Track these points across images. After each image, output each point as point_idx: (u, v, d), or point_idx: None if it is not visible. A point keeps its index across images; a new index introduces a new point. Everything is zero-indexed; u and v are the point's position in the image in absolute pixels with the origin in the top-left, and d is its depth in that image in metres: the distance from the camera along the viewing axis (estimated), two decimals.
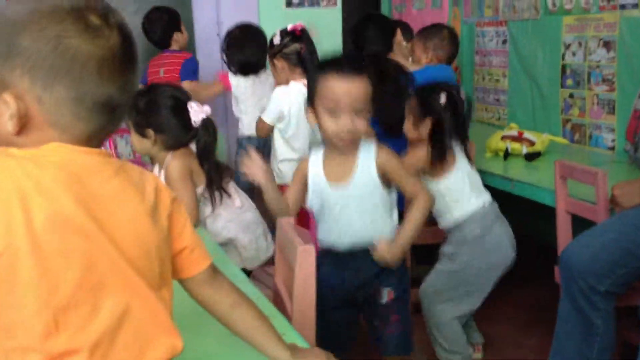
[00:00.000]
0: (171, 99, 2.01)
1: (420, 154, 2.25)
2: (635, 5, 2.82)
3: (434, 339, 2.38)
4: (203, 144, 2.03)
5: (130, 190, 0.93)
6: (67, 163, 0.88)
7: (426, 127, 2.26)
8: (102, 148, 0.95)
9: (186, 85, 3.58)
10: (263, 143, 3.22)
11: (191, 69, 3.70)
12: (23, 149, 0.87)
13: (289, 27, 2.86)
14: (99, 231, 0.86)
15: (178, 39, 3.77)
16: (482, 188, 2.39)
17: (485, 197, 2.36)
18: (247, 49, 3.25)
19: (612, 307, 1.92)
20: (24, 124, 0.88)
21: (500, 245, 2.32)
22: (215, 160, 2.08)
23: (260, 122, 2.87)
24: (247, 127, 3.33)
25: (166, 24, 3.72)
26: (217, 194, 2.06)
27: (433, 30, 3.27)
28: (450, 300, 2.32)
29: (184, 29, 3.83)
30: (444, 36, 3.24)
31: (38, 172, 0.84)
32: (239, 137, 3.44)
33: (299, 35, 2.83)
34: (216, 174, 2.06)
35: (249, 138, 3.33)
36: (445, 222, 2.34)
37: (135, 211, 0.92)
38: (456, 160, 2.31)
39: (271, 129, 2.86)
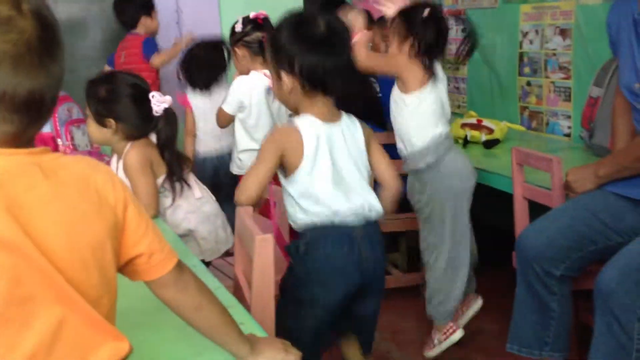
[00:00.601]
0: (132, 87, 1.98)
1: (400, 58, 2.31)
2: None
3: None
4: (164, 134, 2.01)
5: (65, 191, 0.87)
6: None
7: (409, 45, 2.31)
8: (60, 146, 0.91)
9: (155, 60, 3.54)
10: (218, 163, 3.18)
11: (153, 46, 3.69)
12: None
13: (252, 14, 2.83)
14: (26, 242, 0.81)
15: (146, 23, 3.72)
16: (448, 116, 2.44)
17: (446, 127, 2.41)
18: (212, 67, 3.19)
19: (568, 291, 1.96)
20: None
21: (456, 170, 2.38)
22: (176, 151, 2.06)
23: (220, 112, 2.84)
24: (204, 146, 3.25)
25: (137, 6, 3.72)
26: (177, 184, 2.04)
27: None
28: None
29: (155, 17, 3.78)
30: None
31: None
32: (195, 154, 3.28)
33: (261, 24, 2.81)
34: (177, 165, 2.03)
35: (204, 160, 3.24)
36: (402, 151, 2.42)
37: (71, 215, 0.86)
38: (432, 80, 2.35)
39: (232, 119, 2.84)
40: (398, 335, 2.67)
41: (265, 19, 2.82)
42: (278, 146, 1.66)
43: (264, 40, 2.76)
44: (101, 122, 1.97)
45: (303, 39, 1.63)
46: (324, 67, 1.62)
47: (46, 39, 0.85)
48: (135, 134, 2.00)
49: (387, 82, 2.80)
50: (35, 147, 0.89)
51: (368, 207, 1.70)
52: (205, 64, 3.17)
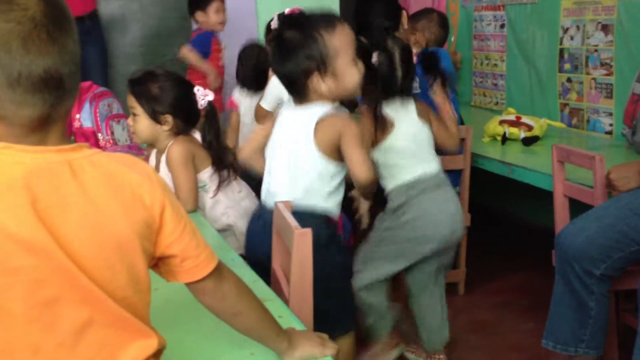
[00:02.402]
0: (179, 82, 2.04)
1: (364, 124, 2.17)
2: None
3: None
4: (211, 127, 2.07)
5: (93, 191, 0.85)
6: (12, 169, 0.80)
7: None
8: (100, 140, 0.90)
9: (183, 51, 3.55)
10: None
11: (199, 41, 3.68)
12: None
13: (287, 10, 2.83)
14: (50, 244, 0.79)
15: (199, 18, 3.73)
16: (426, 156, 2.24)
17: (425, 167, 2.22)
18: (264, 67, 3.16)
19: (607, 291, 1.93)
20: None
21: (425, 218, 2.18)
22: (221, 142, 2.12)
23: (258, 109, 2.85)
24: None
25: (191, 1, 3.73)
26: (225, 173, 2.08)
27: (423, 13, 3.27)
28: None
29: (212, 12, 3.75)
30: (431, 18, 3.22)
31: None
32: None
33: None
34: (224, 155, 2.10)
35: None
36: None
37: (96, 215, 0.84)
38: (395, 125, 2.20)
39: (269, 115, 2.84)
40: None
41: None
42: None
43: None
44: (157, 119, 2.00)
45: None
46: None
47: (52, 13, 0.83)
48: (186, 128, 2.06)
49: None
50: (71, 143, 0.88)
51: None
52: (257, 64, 3.17)
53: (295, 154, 1.74)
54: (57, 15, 0.83)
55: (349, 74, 1.72)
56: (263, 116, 2.85)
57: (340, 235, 1.92)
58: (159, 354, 0.95)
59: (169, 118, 2.00)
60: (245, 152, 1.96)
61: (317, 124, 1.71)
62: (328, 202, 1.76)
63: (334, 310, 1.67)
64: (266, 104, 2.81)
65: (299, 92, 1.75)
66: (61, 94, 0.84)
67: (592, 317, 1.92)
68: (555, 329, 2.00)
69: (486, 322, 2.73)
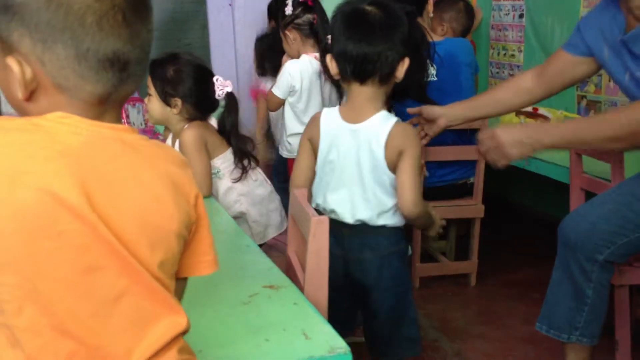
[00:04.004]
0: (198, 69, 2.03)
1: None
2: None
3: None
4: (229, 119, 2.06)
5: (144, 171, 0.86)
6: (69, 138, 0.82)
7: None
8: (122, 118, 0.91)
9: None
10: None
11: None
12: (23, 119, 0.82)
13: None
14: (94, 213, 0.80)
15: None
16: None
17: None
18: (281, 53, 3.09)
19: (607, 280, 1.90)
20: (33, 90, 0.83)
21: None
22: (240, 134, 2.10)
23: (270, 96, 2.84)
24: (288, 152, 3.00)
25: None
26: (246, 162, 2.09)
27: (449, 2, 3.23)
28: None
29: None
30: (459, 9, 3.20)
31: (32, 148, 0.79)
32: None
33: (311, 6, 2.79)
34: (243, 144, 2.09)
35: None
36: None
37: (147, 194, 0.86)
38: None
39: (282, 102, 2.84)
40: (446, 324, 2.65)
41: (316, 1, 2.79)
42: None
43: (315, 22, 2.74)
44: (167, 101, 2.01)
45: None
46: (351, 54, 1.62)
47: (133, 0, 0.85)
48: (197, 115, 2.04)
49: (447, 66, 2.76)
50: (120, 125, 0.89)
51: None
52: (276, 50, 3.16)
53: (368, 168, 1.67)
54: (136, 2, 0.86)
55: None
56: (276, 103, 2.84)
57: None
58: (184, 334, 0.95)
59: (178, 102, 2.00)
60: (299, 181, 1.76)
61: (390, 134, 1.63)
62: (395, 216, 1.72)
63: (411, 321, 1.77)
64: (279, 91, 2.80)
65: (384, 76, 1.65)
66: (125, 77, 0.86)
67: (587, 305, 1.90)
68: (550, 314, 1.99)
69: (497, 313, 2.72)
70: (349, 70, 1.64)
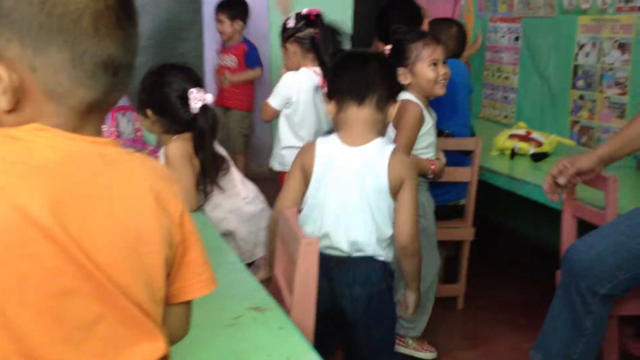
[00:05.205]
0: (176, 82, 1.96)
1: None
2: None
3: None
4: (199, 133, 1.96)
5: (124, 188, 0.82)
6: (46, 152, 0.77)
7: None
8: (104, 131, 0.87)
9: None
10: None
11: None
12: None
13: (304, 10, 2.80)
14: (67, 235, 0.76)
15: None
16: None
17: None
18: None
19: (607, 312, 1.88)
20: (19, 99, 0.79)
21: None
22: (211, 151, 2.01)
23: (266, 106, 2.82)
24: None
25: None
26: (209, 187, 1.99)
27: (443, 25, 3.21)
28: None
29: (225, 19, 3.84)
30: (452, 34, 3.16)
31: (5, 162, 0.75)
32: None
33: (314, 20, 2.78)
34: (212, 165, 1.99)
35: None
36: None
37: (126, 214, 0.81)
38: None
39: (276, 113, 2.81)
40: (433, 347, 2.62)
41: (318, 16, 2.78)
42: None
43: (316, 36, 2.73)
44: (142, 112, 1.98)
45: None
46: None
47: (124, 1, 0.83)
48: (173, 128, 1.98)
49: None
50: (102, 138, 0.85)
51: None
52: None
53: (371, 191, 1.65)
54: (126, 3, 0.83)
55: None
56: (270, 113, 2.82)
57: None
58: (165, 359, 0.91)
59: (149, 112, 1.96)
60: (287, 204, 1.69)
61: (391, 159, 1.65)
62: (389, 249, 1.71)
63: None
64: (274, 102, 2.77)
65: (381, 98, 1.71)
66: (115, 82, 0.83)
67: (585, 337, 1.88)
68: (546, 343, 1.96)
69: (484, 338, 2.69)
70: (346, 89, 1.67)
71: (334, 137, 1.70)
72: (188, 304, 0.95)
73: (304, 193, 1.68)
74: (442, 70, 2.32)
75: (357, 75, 1.69)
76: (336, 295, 1.67)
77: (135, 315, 0.83)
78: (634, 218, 1.91)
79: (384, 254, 1.70)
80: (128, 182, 0.83)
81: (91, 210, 0.79)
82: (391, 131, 2.33)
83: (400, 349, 2.47)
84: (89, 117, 0.84)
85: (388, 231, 1.69)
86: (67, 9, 0.78)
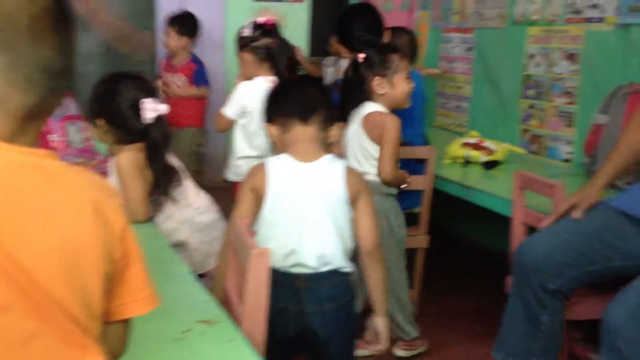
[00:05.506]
0: (129, 91, 1.93)
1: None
2: (600, 19, 2.85)
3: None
4: (151, 143, 1.93)
5: (62, 202, 0.80)
6: None
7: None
8: (54, 141, 0.84)
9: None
10: None
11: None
12: None
13: (260, 20, 2.79)
14: (2, 250, 0.74)
15: None
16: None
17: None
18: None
19: (560, 307, 1.92)
20: None
21: None
22: (164, 162, 1.98)
23: (220, 116, 2.80)
24: None
25: None
26: (161, 197, 1.96)
27: (395, 34, 3.24)
28: None
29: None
30: (403, 42, 3.20)
31: None
32: None
33: (270, 30, 2.77)
34: (164, 177, 1.96)
35: None
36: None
37: (63, 228, 0.79)
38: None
39: (231, 123, 2.79)
40: (386, 356, 2.62)
41: (274, 25, 2.77)
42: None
43: (272, 46, 2.72)
44: (92, 121, 1.94)
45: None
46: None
47: (61, 6, 0.82)
48: (125, 138, 1.94)
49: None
50: (40, 149, 0.83)
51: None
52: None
53: (330, 205, 1.67)
54: (64, 7, 0.82)
55: None
56: (225, 123, 2.80)
57: None
58: None
59: (100, 122, 1.93)
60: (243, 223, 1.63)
61: (347, 172, 1.70)
62: (348, 260, 1.74)
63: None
64: (229, 111, 2.76)
65: (326, 119, 1.76)
66: (53, 87, 0.82)
67: (542, 332, 1.91)
68: (506, 341, 1.98)
69: (438, 345, 2.70)
70: (291, 110, 1.72)
71: (284, 156, 1.71)
72: (126, 322, 0.93)
73: (256, 213, 1.67)
74: (412, 83, 2.43)
75: (300, 96, 1.75)
76: (306, 315, 1.66)
77: (72, 331, 0.81)
78: (584, 219, 1.95)
79: (348, 266, 1.71)
80: (66, 195, 0.81)
81: (27, 223, 0.77)
82: (370, 147, 2.37)
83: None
84: (27, 124, 0.81)
85: (350, 242, 1.72)
86: (3, 11, 0.76)
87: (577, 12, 2.97)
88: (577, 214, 1.95)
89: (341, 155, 2.43)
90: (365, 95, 2.43)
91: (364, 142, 2.39)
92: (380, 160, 2.37)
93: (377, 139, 2.35)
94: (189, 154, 3.99)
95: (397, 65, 2.40)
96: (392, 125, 2.33)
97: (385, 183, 2.40)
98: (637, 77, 2.63)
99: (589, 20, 2.91)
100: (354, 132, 2.43)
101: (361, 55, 2.42)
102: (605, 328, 1.62)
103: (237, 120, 2.77)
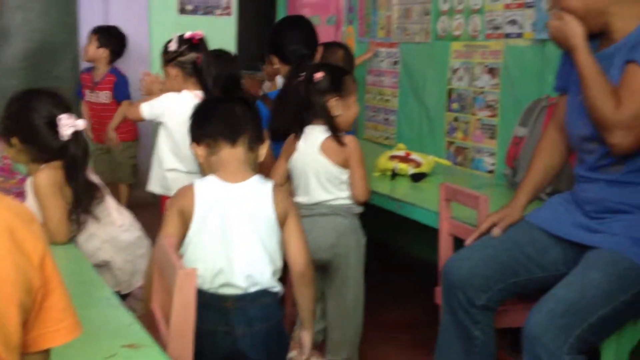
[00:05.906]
0: (44, 108, 1.87)
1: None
2: (519, 35, 2.95)
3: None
4: (70, 160, 1.88)
5: None
6: None
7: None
8: None
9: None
10: None
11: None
12: None
13: (187, 34, 2.75)
14: None
15: None
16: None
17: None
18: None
19: (491, 321, 1.96)
20: None
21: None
22: (84, 179, 1.93)
23: (137, 108, 2.73)
24: None
25: None
26: (82, 216, 1.91)
27: (329, 50, 3.26)
28: None
29: None
30: (338, 57, 3.22)
31: None
32: None
33: (197, 44, 2.74)
34: (85, 194, 1.91)
35: None
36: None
37: None
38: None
39: (141, 120, 2.79)
40: None
41: (201, 40, 2.74)
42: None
43: (199, 61, 2.69)
44: (6, 140, 1.87)
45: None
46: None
47: None
48: (41, 156, 1.88)
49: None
50: None
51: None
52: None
53: (259, 226, 1.69)
54: None
55: None
56: (136, 117, 2.76)
57: None
58: None
59: (15, 141, 1.87)
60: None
61: (275, 192, 1.72)
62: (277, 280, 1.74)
63: None
64: (146, 110, 2.70)
65: (253, 139, 1.78)
66: None
67: (477, 347, 1.94)
68: (444, 358, 2.01)
69: (373, 357, 2.72)
70: (217, 131, 1.71)
71: (211, 178, 1.70)
72: (47, 352, 0.89)
73: (183, 235, 1.65)
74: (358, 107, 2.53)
75: (227, 116, 1.73)
76: (236, 336, 1.65)
77: None
78: (506, 233, 2.01)
79: (277, 286, 1.71)
80: None
81: None
82: (337, 172, 2.39)
83: None
84: None
85: (279, 262, 1.72)
86: None
87: (497, 27, 3.08)
88: (496, 232, 2.01)
89: (280, 175, 2.43)
90: (314, 115, 2.42)
91: (329, 169, 2.38)
92: (353, 183, 2.40)
93: (344, 163, 2.38)
94: (125, 167, 3.94)
95: (351, 86, 2.43)
96: (355, 146, 2.39)
97: (360, 203, 2.45)
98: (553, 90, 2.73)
99: (508, 35, 3.01)
100: (312, 160, 2.40)
101: (318, 75, 2.41)
102: (525, 335, 1.67)
103: (160, 130, 2.72)
